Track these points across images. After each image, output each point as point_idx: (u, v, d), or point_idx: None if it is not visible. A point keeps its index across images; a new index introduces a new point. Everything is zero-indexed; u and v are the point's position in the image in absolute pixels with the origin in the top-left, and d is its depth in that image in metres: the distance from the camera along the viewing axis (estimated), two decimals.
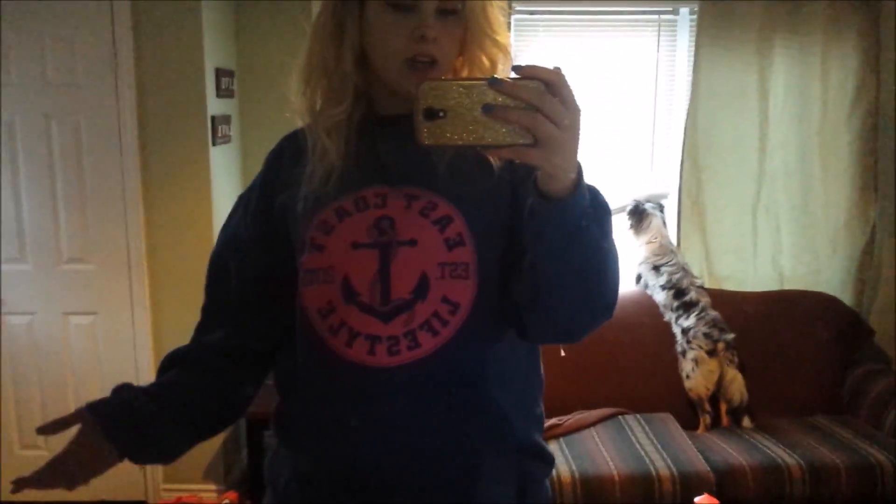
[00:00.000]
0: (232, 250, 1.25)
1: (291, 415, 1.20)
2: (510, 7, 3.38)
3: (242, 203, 1.27)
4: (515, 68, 0.85)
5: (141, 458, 1.17)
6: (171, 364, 1.23)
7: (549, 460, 1.23)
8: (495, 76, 0.85)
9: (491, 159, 1.10)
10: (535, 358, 1.21)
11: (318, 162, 1.14)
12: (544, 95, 0.83)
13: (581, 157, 0.88)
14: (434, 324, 1.07)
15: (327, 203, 1.13)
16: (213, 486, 3.21)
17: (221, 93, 3.21)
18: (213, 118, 3.11)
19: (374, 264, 1.09)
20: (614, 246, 1.00)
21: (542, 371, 1.23)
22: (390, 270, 1.08)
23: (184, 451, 1.21)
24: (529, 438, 1.18)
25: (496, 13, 1.12)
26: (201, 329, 1.27)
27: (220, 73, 3.19)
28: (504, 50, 1.13)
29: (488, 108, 0.83)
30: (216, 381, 1.22)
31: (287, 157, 1.22)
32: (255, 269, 1.22)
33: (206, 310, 1.28)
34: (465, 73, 1.14)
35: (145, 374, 3.16)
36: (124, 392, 1.17)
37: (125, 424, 1.13)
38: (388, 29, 1.08)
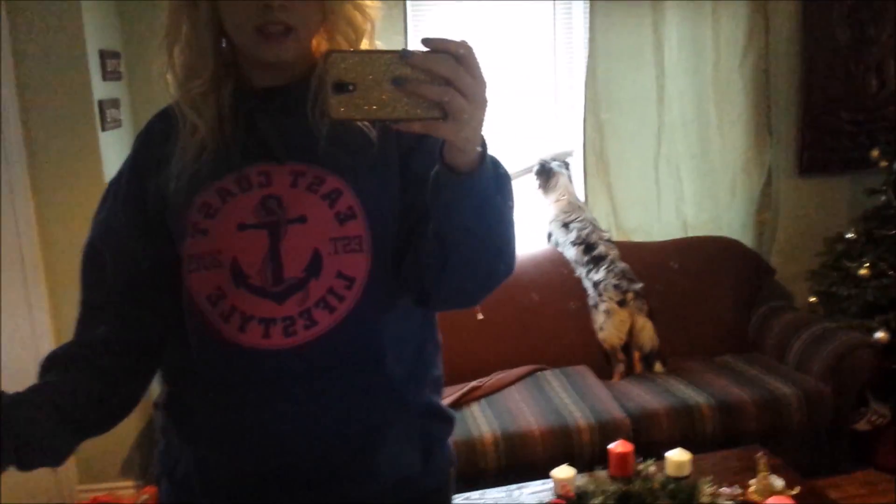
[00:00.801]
0: (106, 240, 1.18)
1: (187, 403, 1.16)
2: None
3: (112, 189, 1.20)
4: (424, 41, 0.83)
5: (26, 465, 1.10)
6: (53, 364, 1.15)
7: (449, 420, 1.24)
8: (406, 49, 0.83)
9: (365, 129, 1.08)
10: (431, 323, 1.21)
11: (188, 139, 1.09)
12: (455, 68, 0.82)
13: (486, 124, 0.88)
14: (330, 300, 1.06)
15: (207, 184, 1.08)
16: (130, 483, 3.13)
17: (108, 76, 3.08)
18: (100, 102, 2.99)
19: (264, 245, 1.06)
20: (513, 211, 1.01)
21: (439, 335, 1.23)
22: (280, 250, 1.06)
23: (71, 452, 1.15)
24: (429, 401, 1.19)
25: None
26: (82, 325, 1.19)
27: (104, 54, 3.05)
28: (367, 14, 1.09)
29: (399, 82, 0.82)
30: (103, 377, 1.14)
31: (157, 136, 1.16)
32: (134, 257, 1.15)
33: (85, 304, 1.20)
34: (327, 41, 1.10)
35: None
36: (2, 400, 1.08)
37: (8, 436, 1.04)
38: None
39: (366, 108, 0.83)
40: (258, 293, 1.06)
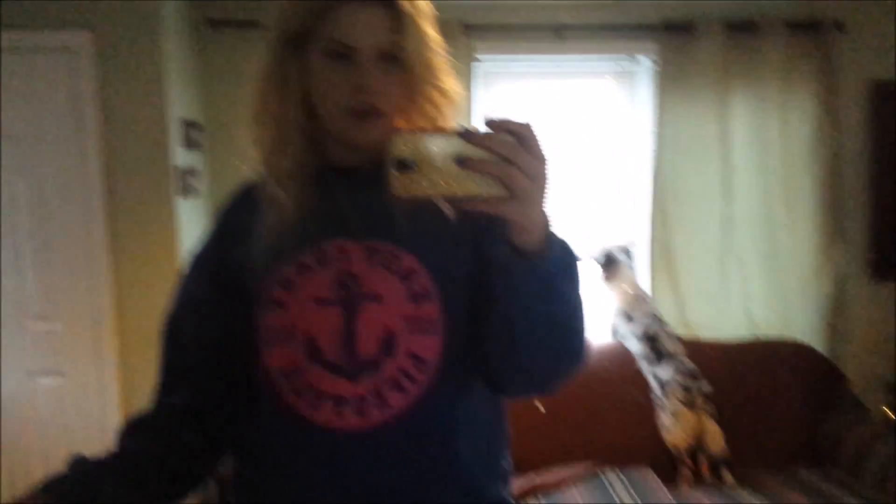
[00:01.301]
0: (186, 311, 1.19)
1: (255, 481, 1.13)
2: (472, 56, 3.37)
3: (194, 260, 1.21)
4: (487, 122, 0.84)
5: None
6: (130, 432, 1.16)
7: None
8: (467, 128, 0.83)
9: (444, 210, 1.07)
10: (501, 412, 1.18)
11: (271, 213, 1.10)
12: (516, 148, 0.83)
13: (550, 208, 0.89)
14: (402, 381, 1.05)
15: (287, 258, 1.09)
16: None
17: (189, 144, 3.13)
18: (179, 170, 3.03)
19: (339, 321, 1.05)
20: (582, 297, 1.00)
21: (508, 425, 1.20)
22: (355, 327, 1.05)
23: None
24: (496, 493, 1.15)
25: (438, 59, 1.10)
26: (159, 394, 1.20)
27: (186, 124, 3.11)
28: (449, 97, 1.11)
29: (461, 160, 0.83)
30: (177, 447, 1.15)
31: (240, 208, 1.18)
32: (212, 329, 1.16)
33: (163, 373, 1.21)
34: (412, 123, 1.11)
35: (112, 436, 3.01)
36: (80, 466, 1.09)
37: (78, 496, 1.05)
38: (327, 79, 1.06)
39: (426, 186, 0.84)
40: (332, 370, 1.05)
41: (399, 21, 1.05)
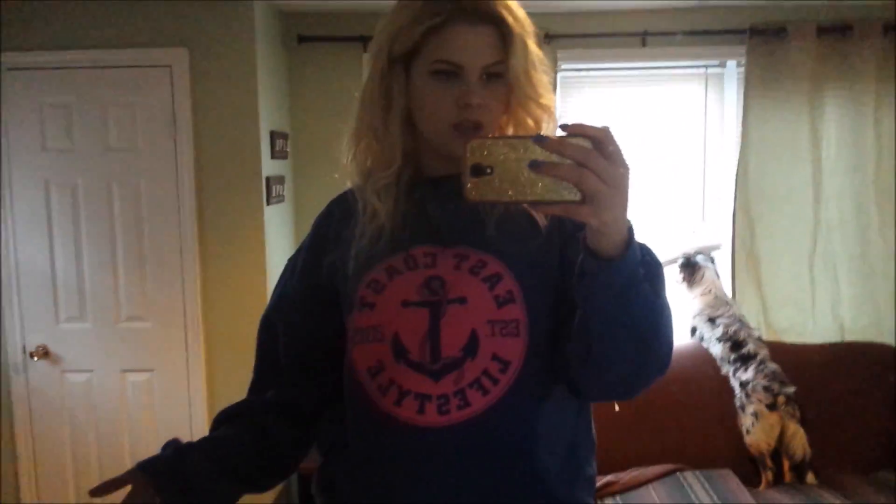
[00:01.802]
0: (281, 311, 1.27)
1: (337, 475, 1.19)
2: (556, 65, 3.43)
3: (291, 264, 1.29)
4: (563, 126, 0.84)
5: None
6: (224, 420, 1.25)
7: None
8: (540, 134, 0.86)
9: (537, 217, 1.11)
10: (586, 417, 1.19)
11: (368, 223, 1.15)
12: (590, 152, 0.83)
13: (631, 213, 0.87)
14: (484, 382, 1.07)
15: (377, 262, 1.14)
16: None
17: (276, 154, 3.30)
18: (267, 179, 3.20)
19: (425, 322, 1.09)
20: (667, 302, 0.98)
21: (594, 431, 1.20)
22: (440, 328, 1.08)
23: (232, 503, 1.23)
24: (580, 501, 1.15)
25: (540, 75, 1.12)
26: (253, 388, 1.29)
27: (274, 135, 3.28)
28: (548, 111, 1.13)
29: (535, 165, 0.83)
30: (266, 437, 1.22)
31: (336, 218, 1.24)
32: (304, 328, 1.24)
33: (258, 369, 1.30)
34: (510, 134, 1.14)
35: (200, 431, 3.18)
36: (174, 448, 1.18)
37: (176, 481, 1.14)
38: (433, 96, 1.09)
39: (501, 190, 0.85)
40: (416, 369, 1.08)
41: (505, 40, 1.07)
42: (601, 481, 2.87)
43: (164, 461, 1.16)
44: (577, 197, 0.83)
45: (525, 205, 0.89)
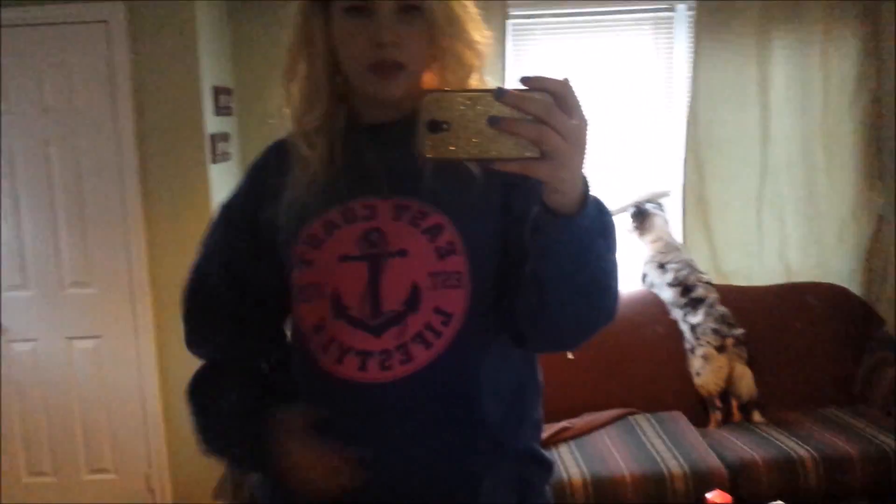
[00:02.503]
0: (216, 262, 1.22)
1: None
2: (506, 11, 3.38)
3: (224, 214, 1.24)
4: (522, 79, 0.81)
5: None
6: (206, 385, 1.22)
7: (548, 466, 1.20)
8: (501, 87, 0.82)
9: (470, 167, 1.08)
10: (531, 363, 1.18)
11: (300, 172, 1.11)
12: (552, 107, 0.80)
13: (586, 167, 0.86)
14: (427, 336, 1.05)
15: (314, 215, 1.10)
16: None
17: (219, 111, 3.23)
18: (212, 136, 3.13)
19: (364, 277, 1.06)
20: (616, 255, 0.98)
21: (541, 375, 1.20)
22: (380, 283, 1.06)
23: None
24: (527, 446, 1.16)
25: (463, 10, 1.08)
26: (192, 344, 1.25)
27: (217, 91, 3.20)
28: (475, 49, 1.09)
29: (494, 121, 0.80)
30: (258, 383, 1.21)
31: (272, 167, 1.19)
32: (243, 281, 1.20)
33: (190, 324, 1.25)
34: (436, 77, 1.11)
35: (151, 397, 3.17)
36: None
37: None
38: (347, 35, 1.06)
39: (459, 147, 0.81)
40: (356, 325, 1.06)
41: None
42: (555, 428, 2.91)
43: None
44: (537, 153, 0.81)
45: (483, 162, 0.87)
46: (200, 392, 1.21)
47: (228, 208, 1.24)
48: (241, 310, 1.21)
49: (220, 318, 1.22)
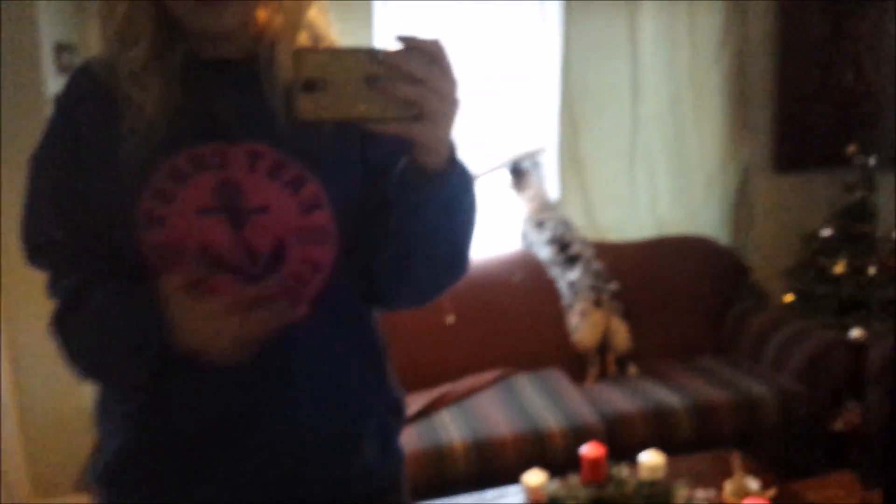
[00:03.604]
0: (60, 204, 1.04)
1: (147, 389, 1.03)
2: None
3: (41, 159, 1.05)
4: (399, 38, 0.81)
5: None
6: (68, 306, 1.03)
7: (403, 412, 1.19)
8: (378, 47, 0.79)
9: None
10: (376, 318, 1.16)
11: (133, 118, 0.97)
12: (429, 67, 0.81)
13: (455, 126, 0.87)
14: (297, 288, 1.01)
15: (156, 163, 0.97)
16: (85, 499, 3.01)
17: (63, 70, 2.97)
18: (54, 97, 2.87)
19: (228, 230, 0.97)
20: (475, 210, 0.99)
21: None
22: (244, 239, 0.98)
23: None
24: (392, 392, 1.15)
25: None
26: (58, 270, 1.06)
27: (59, 48, 2.95)
28: None
29: (374, 81, 0.80)
30: None
31: (83, 98, 1.02)
32: (79, 223, 1.03)
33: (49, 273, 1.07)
34: (267, 13, 1.01)
35: (5, 398, 2.88)
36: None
37: None
38: None
39: (337, 108, 0.80)
40: (236, 273, 0.99)
41: None
42: (436, 393, 2.88)
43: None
44: (414, 113, 0.81)
45: (360, 123, 0.83)
46: (63, 316, 1.03)
47: (44, 154, 1.05)
48: (91, 256, 1.04)
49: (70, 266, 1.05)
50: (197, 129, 0.99)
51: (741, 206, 3.63)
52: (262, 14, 1.02)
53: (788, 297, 3.41)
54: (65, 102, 1.05)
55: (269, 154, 0.98)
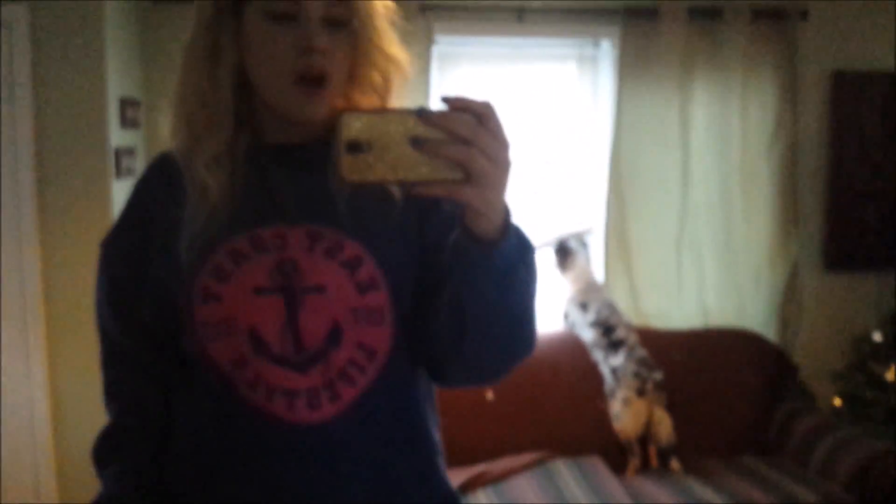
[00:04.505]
0: (116, 295, 1.10)
1: (186, 474, 1.06)
2: (431, 37, 3.30)
3: (109, 247, 1.12)
4: (445, 100, 0.79)
5: None
6: (114, 451, 1.09)
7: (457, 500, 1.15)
8: (424, 107, 0.77)
9: (391, 190, 1.01)
10: (433, 391, 1.13)
11: (198, 202, 1.00)
12: (476, 129, 0.78)
13: (509, 193, 0.84)
14: (351, 373, 0.99)
15: (218, 245, 0.99)
16: None
17: (126, 123, 3.02)
18: (116, 151, 2.92)
19: (281, 312, 0.98)
20: (536, 286, 0.96)
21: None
22: (298, 319, 0.98)
23: None
24: (447, 485, 1.11)
25: (385, 24, 1.02)
26: (111, 394, 1.12)
27: (124, 102, 3.00)
28: (396, 64, 1.04)
29: (418, 142, 0.77)
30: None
31: (159, 189, 1.08)
32: (144, 311, 1.08)
33: (107, 369, 1.13)
34: (356, 93, 1.04)
35: (42, 431, 2.89)
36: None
37: None
38: (270, 42, 0.97)
39: (381, 169, 0.78)
40: (279, 362, 0.99)
41: None
42: (473, 472, 2.82)
43: None
44: (461, 176, 0.78)
45: (406, 185, 0.81)
46: (95, 455, 1.10)
47: (118, 237, 1.12)
48: (140, 356, 1.10)
49: (123, 368, 1.11)
50: (258, 212, 1.01)
51: (789, 301, 3.56)
52: (342, 103, 1.04)
53: (837, 401, 3.32)
54: (141, 187, 1.11)
55: (328, 235, 0.99)
